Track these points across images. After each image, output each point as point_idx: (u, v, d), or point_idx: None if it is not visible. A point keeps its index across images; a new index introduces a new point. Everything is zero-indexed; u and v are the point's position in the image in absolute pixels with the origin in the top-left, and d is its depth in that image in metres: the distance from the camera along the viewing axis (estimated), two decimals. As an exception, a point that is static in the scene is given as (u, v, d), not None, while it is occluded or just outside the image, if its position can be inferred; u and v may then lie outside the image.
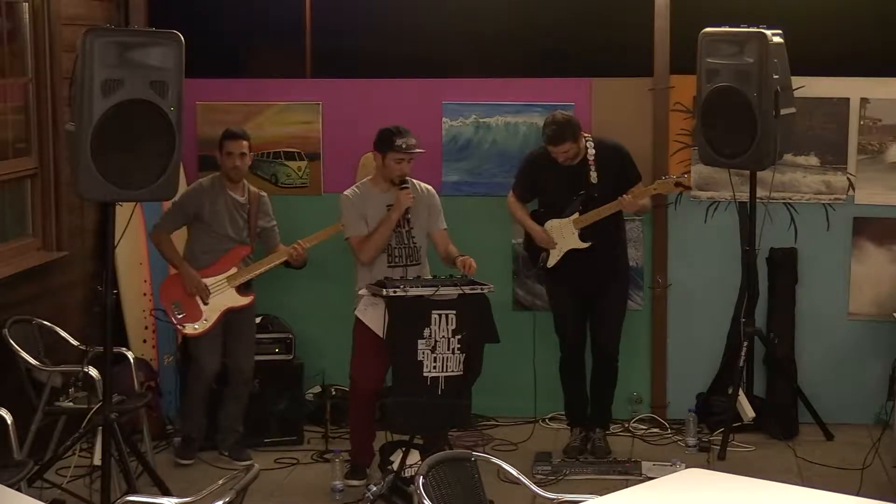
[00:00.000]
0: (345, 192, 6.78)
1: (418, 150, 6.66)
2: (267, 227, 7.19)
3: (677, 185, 7.03)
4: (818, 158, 7.60)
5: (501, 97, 7.75)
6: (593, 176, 6.94)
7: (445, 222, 6.85)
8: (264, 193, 7.24)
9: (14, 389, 6.40)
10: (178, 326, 6.99)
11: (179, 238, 7.19)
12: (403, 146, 6.59)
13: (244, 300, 7.06)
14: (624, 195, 6.88)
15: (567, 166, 6.95)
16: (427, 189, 6.84)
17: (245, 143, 7.04)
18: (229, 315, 7.06)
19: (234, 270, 7.02)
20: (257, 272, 7.09)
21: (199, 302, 6.96)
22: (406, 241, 6.72)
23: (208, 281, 6.98)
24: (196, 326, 6.96)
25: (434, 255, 6.87)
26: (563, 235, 7.00)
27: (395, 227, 6.65)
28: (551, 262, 7.04)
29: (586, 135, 7.01)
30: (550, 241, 7.01)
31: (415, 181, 6.78)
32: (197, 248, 7.05)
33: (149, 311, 7.55)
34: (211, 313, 6.98)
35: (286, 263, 7.12)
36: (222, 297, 7.00)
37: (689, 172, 7.56)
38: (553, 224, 7.03)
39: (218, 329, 7.03)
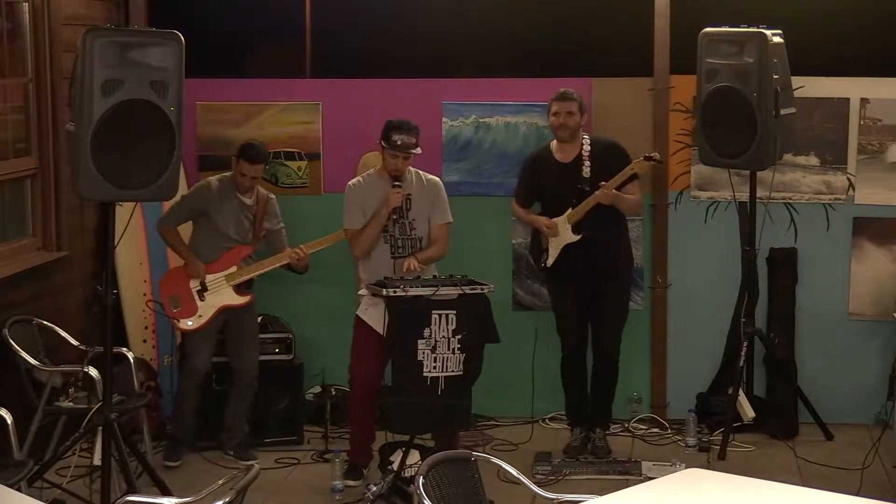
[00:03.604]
0: (350, 182, 6.79)
1: (413, 151, 6.61)
2: (274, 228, 7.19)
3: (648, 158, 6.92)
4: (818, 158, 7.59)
5: (501, 97, 7.75)
6: (586, 170, 6.94)
7: (451, 216, 6.80)
8: (272, 196, 7.23)
9: (14, 389, 6.40)
10: (174, 320, 6.99)
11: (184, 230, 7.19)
12: (399, 143, 6.57)
13: (241, 299, 7.05)
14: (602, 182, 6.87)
15: (563, 164, 6.97)
16: (431, 182, 6.80)
17: (261, 167, 7.04)
18: (228, 315, 7.06)
19: (233, 269, 7.02)
20: (257, 273, 7.09)
21: (196, 298, 6.96)
22: (408, 233, 6.70)
23: (207, 278, 6.98)
24: (190, 322, 6.96)
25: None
26: (560, 232, 7.00)
27: (398, 218, 6.64)
28: (550, 261, 7.05)
29: (584, 134, 7.03)
30: (554, 224, 7.00)
31: (421, 173, 6.78)
32: (200, 242, 7.06)
33: (149, 311, 7.53)
34: (206, 310, 6.97)
35: (288, 267, 7.12)
36: (219, 294, 6.99)
37: (688, 170, 7.58)
38: (550, 223, 7.06)
39: (213, 328, 7.03)
